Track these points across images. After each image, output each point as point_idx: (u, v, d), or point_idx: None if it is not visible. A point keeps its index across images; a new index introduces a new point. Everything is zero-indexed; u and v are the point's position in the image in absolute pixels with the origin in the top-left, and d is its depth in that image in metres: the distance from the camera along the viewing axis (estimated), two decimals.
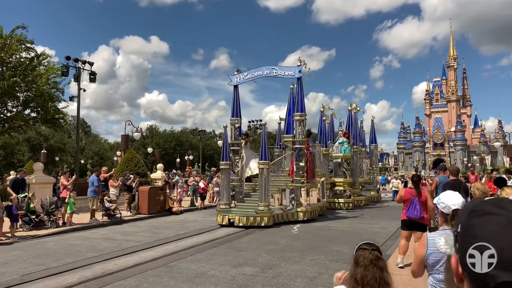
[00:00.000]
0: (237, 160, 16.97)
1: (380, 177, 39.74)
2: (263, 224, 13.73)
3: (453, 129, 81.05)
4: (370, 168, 26.35)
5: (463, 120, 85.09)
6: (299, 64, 15.86)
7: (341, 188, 20.63)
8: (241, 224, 13.76)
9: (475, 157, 73.67)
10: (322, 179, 18.05)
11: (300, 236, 12.10)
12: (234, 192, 15.84)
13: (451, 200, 3.01)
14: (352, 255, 2.38)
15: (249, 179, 16.98)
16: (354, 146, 22.72)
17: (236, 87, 16.99)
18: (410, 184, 8.18)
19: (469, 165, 64.47)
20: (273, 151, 19.53)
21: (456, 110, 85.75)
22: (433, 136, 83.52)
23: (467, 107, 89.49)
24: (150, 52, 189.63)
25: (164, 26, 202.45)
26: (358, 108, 25.29)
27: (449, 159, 76.80)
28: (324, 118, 21.05)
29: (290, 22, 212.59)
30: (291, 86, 17.52)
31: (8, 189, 13.86)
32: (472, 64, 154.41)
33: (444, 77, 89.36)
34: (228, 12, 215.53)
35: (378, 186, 27.60)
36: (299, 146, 15.77)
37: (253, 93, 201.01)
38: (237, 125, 17.08)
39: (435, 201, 3.20)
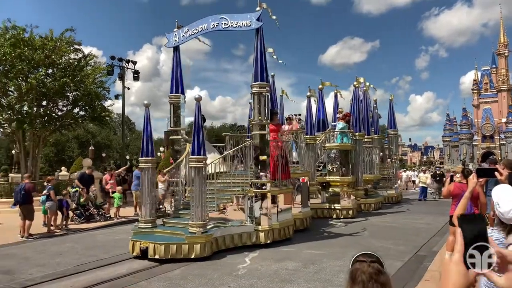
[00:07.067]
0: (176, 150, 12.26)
1: (416, 172, 34.70)
2: (193, 256, 8.57)
3: (504, 120, 76.76)
4: (392, 160, 22.10)
5: None
6: (258, 9, 10.51)
7: (338, 189, 15.57)
8: (157, 257, 8.58)
9: None
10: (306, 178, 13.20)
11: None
12: (173, 202, 11.27)
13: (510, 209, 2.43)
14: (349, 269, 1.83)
15: None
16: (358, 133, 17.33)
17: (176, 49, 11.90)
18: (458, 178, 7.79)
19: None
20: (242, 140, 13.44)
21: (508, 100, 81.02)
22: (482, 127, 79.43)
23: None
24: (193, 50, 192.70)
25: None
26: (368, 84, 20.28)
27: (499, 151, 72.93)
28: (308, 94, 15.70)
29: (331, 13, 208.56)
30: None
31: (76, 181, 15.03)
32: None
33: (494, 66, 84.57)
34: (269, 5, 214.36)
35: (398, 183, 22.49)
36: (258, 132, 10.55)
37: None
38: (178, 105, 11.94)
39: (494, 202, 2.61)
